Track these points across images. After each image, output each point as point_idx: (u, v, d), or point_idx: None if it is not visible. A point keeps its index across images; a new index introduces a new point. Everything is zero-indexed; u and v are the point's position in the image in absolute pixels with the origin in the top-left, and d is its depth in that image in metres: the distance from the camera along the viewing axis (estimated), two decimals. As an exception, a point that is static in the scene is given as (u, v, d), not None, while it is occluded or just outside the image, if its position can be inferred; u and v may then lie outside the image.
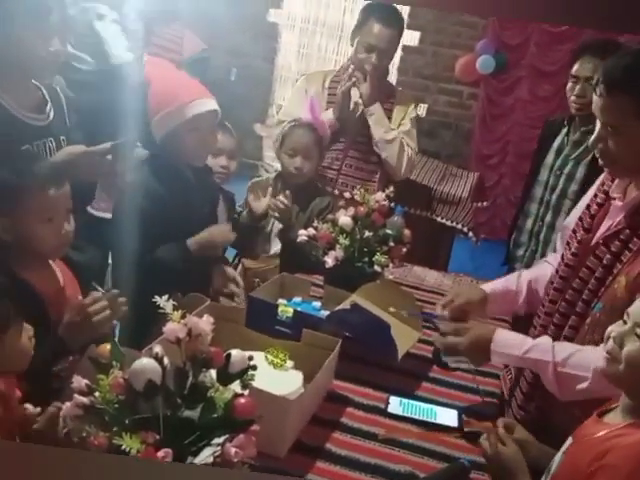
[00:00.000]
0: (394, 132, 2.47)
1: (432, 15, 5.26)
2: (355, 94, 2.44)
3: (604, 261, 1.35)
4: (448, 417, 1.53)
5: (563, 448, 1.15)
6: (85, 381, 1.00)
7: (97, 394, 1.01)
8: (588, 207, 1.49)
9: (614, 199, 1.41)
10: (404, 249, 2.00)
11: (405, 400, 1.58)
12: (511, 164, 5.29)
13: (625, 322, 1.07)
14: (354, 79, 2.41)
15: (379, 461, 1.37)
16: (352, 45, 2.46)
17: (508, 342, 1.42)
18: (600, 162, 1.37)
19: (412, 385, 1.68)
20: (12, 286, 1.22)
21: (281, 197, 2.20)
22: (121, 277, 1.78)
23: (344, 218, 1.93)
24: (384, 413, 1.53)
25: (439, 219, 3.19)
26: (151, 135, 1.88)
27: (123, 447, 0.92)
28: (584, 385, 1.29)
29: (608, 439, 1.04)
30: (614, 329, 1.08)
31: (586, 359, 1.30)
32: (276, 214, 2.22)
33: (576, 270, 1.43)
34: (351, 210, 1.95)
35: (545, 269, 1.67)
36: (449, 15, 5.26)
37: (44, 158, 1.56)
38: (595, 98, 1.32)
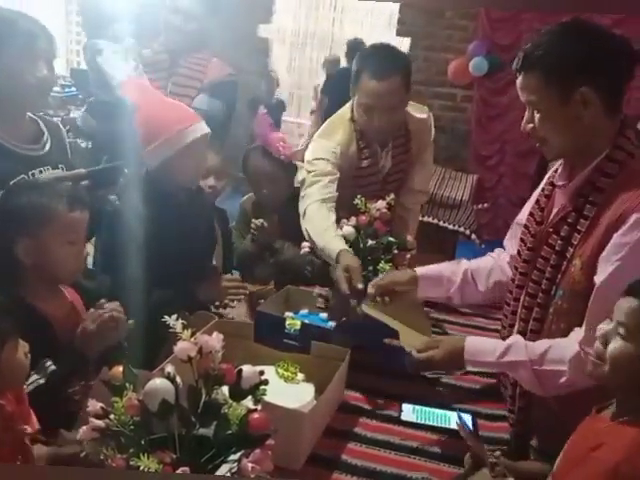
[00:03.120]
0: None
1: (422, 20, 5.29)
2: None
3: (556, 247, 1.36)
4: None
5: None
6: (100, 404, 1.01)
7: (112, 417, 1.01)
8: (537, 201, 1.50)
9: (559, 187, 1.43)
10: (408, 256, 2.00)
11: (418, 407, 1.58)
12: (510, 164, 5.30)
13: (611, 319, 1.08)
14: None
15: (396, 470, 1.37)
16: (352, 111, 2.08)
17: (481, 349, 1.42)
18: (537, 145, 1.40)
19: (424, 391, 1.67)
20: (16, 308, 1.22)
21: (260, 221, 2.18)
22: (122, 301, 1.75)
23: (347, 228, 1.93)
24: (398, 421, 1.53)
25: (441, 223, 3.19)
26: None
27: (141, 468, 0.93)
28: (564, 379, 1.30)
29: (601, 434, 1.06)
30: (601, 327, 1.09)
31: (560, 352, 1.31)
32: (256, 235, 2.20)
33: (533, 263, 1.44)
34: (353, 220, 1.95)
35: (487, 262, 1.71)
36: (439, 19, 5.29)
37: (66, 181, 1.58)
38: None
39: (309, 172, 2.04)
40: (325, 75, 5.88)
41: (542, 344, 1.35)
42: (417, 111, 2.18)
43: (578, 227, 1.33)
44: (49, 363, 1.36)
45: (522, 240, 1.52)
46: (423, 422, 1.52)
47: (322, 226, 1.93)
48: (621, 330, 1.04)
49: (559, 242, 1.36)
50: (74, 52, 6.85)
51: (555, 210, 1.42)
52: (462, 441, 1.30)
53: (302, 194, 2.03)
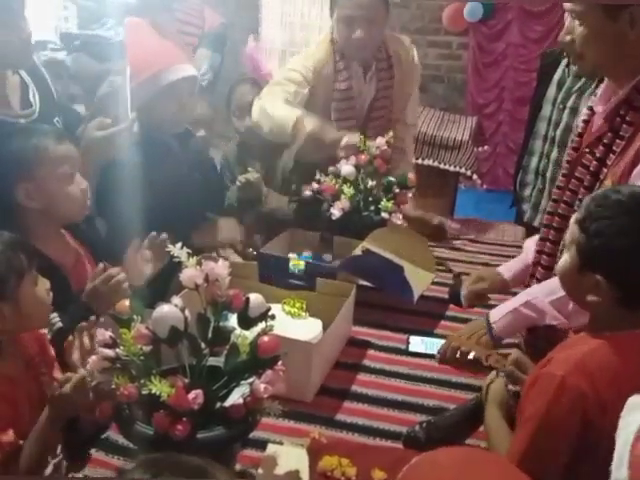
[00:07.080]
0: None
1: (414, -34, 5.15)
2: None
3: (591, 168, 1.35)
4: (470, 351, 1.54)
5: None
6: (109, 333, 1.00)
7: (121, 348, 1.01)
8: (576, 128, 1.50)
9: (597, 111, 1.40)
10: (409, 194, 1.99)
11: (426, 338, 1.58)
12: (508, 111, 5.23)
13: None
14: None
15: (406, 397, 1.38)
16: (332, 32, 2.06)
17: (500, 308, 1.46)
18: (570, 58, 1.39)
19: (431, 325, 1.68)
20: (29, 246, 1.20)
21: (249, 174, 2.08)
22: (117, 249, 1.71)
23: (347, 167, 1.90)
24: (406, 352, 1.54)
25: (442, 165, 3.15)
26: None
27: (153, 391, 0.93)
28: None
29: (557, 350, 1.03)
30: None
31: None
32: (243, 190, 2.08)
33: (567, 187, 1.42)
34: (352, 159, 1.92)
35: None
36: (431, -35, 5.15)
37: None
38: None
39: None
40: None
41: (551, 281, 1.35)
42: (397, 37, 2.22)
43: (614, 147, 1.31)
44: (56, 319, 1.33)
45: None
46: (432, 352, 1.53)
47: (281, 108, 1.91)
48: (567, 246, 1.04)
49: (594, 163, 1.34)
50: (62, 19, 6.67)
51: (591, 132, 1.40)
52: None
53: (263, 92, 2.01)
